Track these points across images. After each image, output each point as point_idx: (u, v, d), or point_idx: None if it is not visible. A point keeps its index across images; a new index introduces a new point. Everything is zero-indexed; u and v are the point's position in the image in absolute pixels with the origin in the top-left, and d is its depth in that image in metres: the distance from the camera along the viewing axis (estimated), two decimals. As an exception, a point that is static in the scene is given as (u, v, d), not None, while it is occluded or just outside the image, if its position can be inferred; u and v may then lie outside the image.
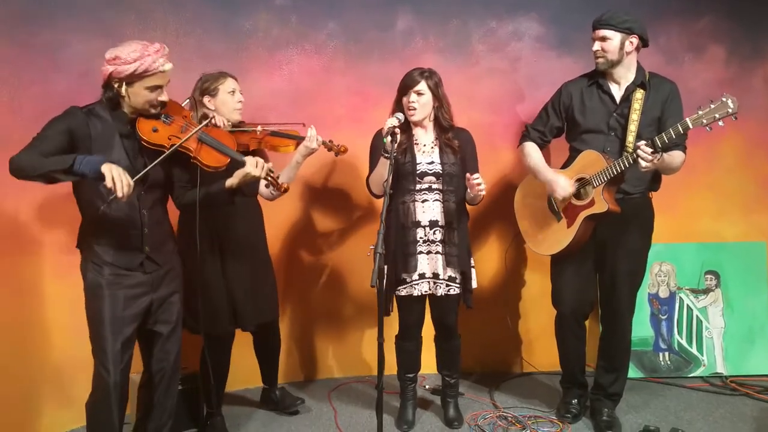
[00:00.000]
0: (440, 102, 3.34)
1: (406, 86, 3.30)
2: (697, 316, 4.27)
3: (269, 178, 2.90)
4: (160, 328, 2.83)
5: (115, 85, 2.60)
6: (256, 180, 2.87)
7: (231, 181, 2.87)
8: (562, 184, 3.35)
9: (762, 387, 4.01)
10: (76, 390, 3.30)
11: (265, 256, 3.58)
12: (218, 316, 3.35)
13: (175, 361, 2.91)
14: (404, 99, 3.31)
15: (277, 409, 3.80)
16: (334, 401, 3.95)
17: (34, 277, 3.43)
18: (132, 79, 2.58)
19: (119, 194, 2.41)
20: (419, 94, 3.28)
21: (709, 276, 4.30)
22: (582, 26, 3.63)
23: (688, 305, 4.28)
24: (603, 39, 3.27)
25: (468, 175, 3.14)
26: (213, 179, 2.96)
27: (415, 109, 3.29)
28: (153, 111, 2.69)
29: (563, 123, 3.52)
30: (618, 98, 3.36)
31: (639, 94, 3.30)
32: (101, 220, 2.64)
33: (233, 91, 3.35)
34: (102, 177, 2.42)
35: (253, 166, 2.79)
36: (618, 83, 3.37)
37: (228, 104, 3.33)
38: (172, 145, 2.69)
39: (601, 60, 3.31)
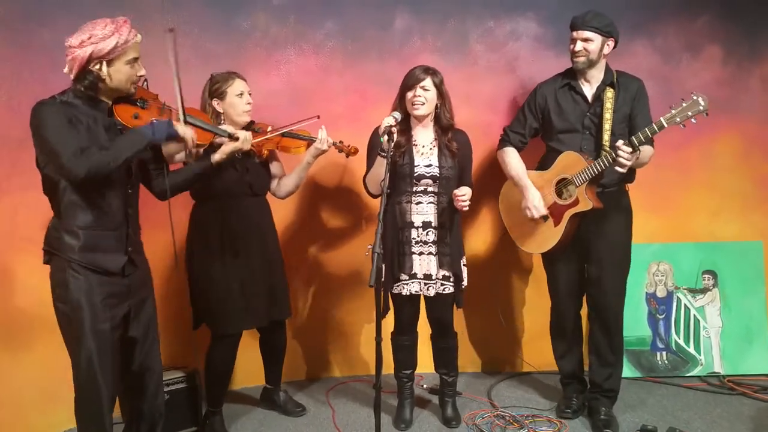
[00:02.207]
0: (443, 100, 3.35)
1: (411, 82, 3.29)
2: (694, 315, 4.28)
3: (253, 147, 3.11)
4: (136, 333, 2.71)
5: (95, 68, 2.47)
6: (242, 152, 3.02)
7: (218, 157, 2.90)
8: (535, 206, 3.45)
9: (759, 386, 4.01)
10: (65, 392, 3.29)
11: (277, 255, 3.59)
12: (233, 315, 3.35)
13: (155, 361, 2.84)
14: (409, 94, 3.29)
15: (278, 412, 3.81)
16: (332, 400, 3.96)
17: (26, 276, 3.42)
18: (113, 54, 2.47)
19: (191, 148, 2.66)
20: (425, 89, 3.27)
21: (706, 275, 4.30)
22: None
23: (685, 305, 4.29)
24: (586, 40, 3.36)
25: (455, 192, 3.24)
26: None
27: (422, 103, 3.28)
28: (133, 90, 2.61)
29: (540, 123, 3.60)
30: (590, 98, 3.46)
31: (609, 93, 3.40)
32: (85, 221, 2.52)
33: (241, 93, 3.33)
34: (178, 137, 2.61)
35: (242, 140, 2.95)
36: (589, 83, 3.47)
37: (236, 107, 3.31)
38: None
39: (582, 59, 3.39)
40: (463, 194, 3.24)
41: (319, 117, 3.39)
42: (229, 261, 3.35)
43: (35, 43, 3.39)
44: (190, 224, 3.43)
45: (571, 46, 3.40)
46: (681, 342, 4.26)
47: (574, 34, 3.38)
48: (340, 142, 3.43)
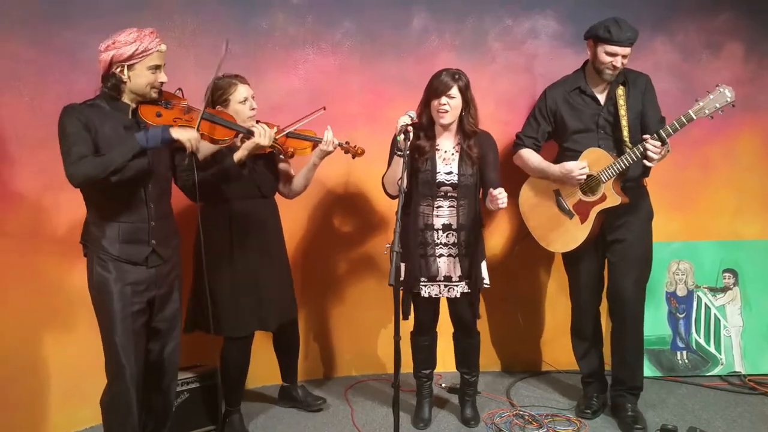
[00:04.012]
0: (468, 105, 3.31)
1: (438, 89, 3.24)
2: (715, 314, 4.25)
3: (275, 145, 3.09)
4: (159, 325, 2.86)
5: (117, 71, 2.64)
6: (263, 150, 3.02)
7: (240, 154, 2.99)
8: (575, 168, 3.38)
9: (781, 386, 3.98)
10: (89, 390, 3.32)
11: (284, 256, 3.61)
12: (245, 317, 3.36)
13: (174, 356, 2.94)
14: (435, 102, 3.26)
15: (299, 407, 3.83)
16: (350, 399, 3.97)
17: (48, 274, 3.46)
18: (133, 59, 2.62)
19: (191, 149, 2.66)
20: (451, 97, 3.24)
21: (727, 274, 4.27)
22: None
23: (706, 304, 4.26)
24: (625, 56, 3.33)
25: (491, 191, 3.07)
26: (215, 159, 3.03)
27: (447, 111, 3.25)
28: (154, 94, 2.72)
29: (553, 127, 3.59)
30: (602, 98, 3.46)
31: (621, 91, 3.40)
32: (109, 213, 2.69)
33: (245, 99, 3.28)
34: (173, 141, 2.62)
35: (261, 135, 2.98)
36: (600, 85, 3.47)
37: (240, 114, 3.25)
38: (180, 126, 2.73)
39: (617, 72, 3.37)
40: (501, 194, 3.04)
41: (325, 108, 3.37)
42: (238, 263, 3.36)
43: (57, 45, 3.42)
44: (200, 222, 3.42)
45: (609, 60, 3.32)
46: (701, 341, 4.23)
47: (618, 49, 3.30)
48: (347, 143, 3.41)
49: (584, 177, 3.38)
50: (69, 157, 2.58)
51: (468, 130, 3.33)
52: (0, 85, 3.39)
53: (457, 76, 3.26)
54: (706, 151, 4.24)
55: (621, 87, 3.41)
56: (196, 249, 3.40)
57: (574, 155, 3.45)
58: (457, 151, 3.38)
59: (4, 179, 3.37)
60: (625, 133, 3.35)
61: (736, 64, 4.26)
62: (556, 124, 3.58)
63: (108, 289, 2.69)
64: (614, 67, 3.34)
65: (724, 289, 4.27)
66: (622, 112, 3.37)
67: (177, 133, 2.63)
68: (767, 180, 4.33)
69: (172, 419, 3.05)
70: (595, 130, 3.46)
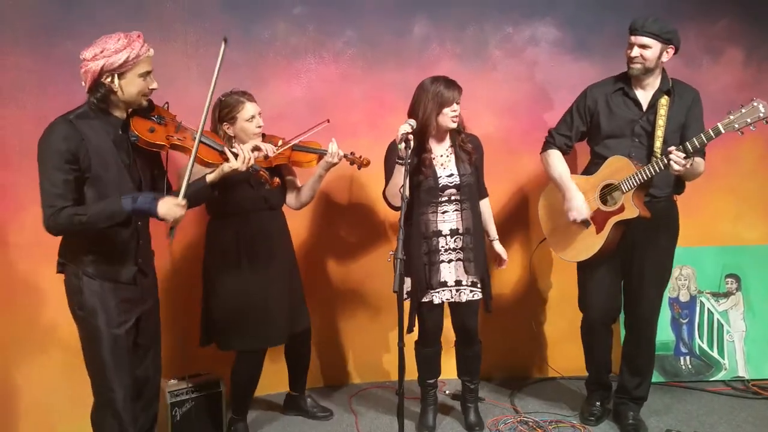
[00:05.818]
0: None
1: (451, 98, 3.27)
2: (718, 319, 4.24)
3: (255, 172, 2.93)
4: (143, 340, 2.79)
5: (107, 81, 2.51)
6: (239, 174, 2.83)
7: (212, 177, 2.83)
8: (578, 207, 3.36)
9: (785, 391, 3.97)
10: (91, 397, 3.33)
11: (294, 267, 3.61)
12: (257, 331, 3.36)
13: (158, 368, 2.91)
14: (447, 110, 3.28)
15: (304, 417, 3.83)
16: (354, 407, 3.97)
17: (50, 285, 3.44)
18: (125, 68, 2.50)
19: (171, 223, 2.60)
20: (458, 102, 3.30)
21: (729, 279, 4.27)
22: (598, 29, 3.62)
23: (708, 309, 4.25)
24: (643, 46, 3.21)
25: (501, 260, 3.53)
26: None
27: (458, 116, 3.32)
28: (144, 102, 2.63)
29: (588, 127, 3.48)
30: (644, 105, 3.33)
31: (664, 101, 3.28)
32: (98, 235, 2.58)
33: (252, 118, 3.30)
34: (154, 216, 2.55)
35: (240, 160, 2.80)
36: (644, 90, 3.34)
37: (247, 131, 3.30)
38: (171, 144, 2.68)
39: (638, 66, 3.24)
40: (502, 257, 3.53)
41: (329, 121, 3.39)
42: (249, 277, 3.36)
43: (60, 56, 3.44)
44: (206, 240, 3.45)
45: (628, 51, 3.24)
46: (705, 346, 4.23)
47: (632, 39, 3.22)
48: (351, 153, 3.43)
49: (575, 219, 3.37)
50: (47, 203, 2.48)
51: (460, 129, 3.39)
52: (3, 96, 3.43)
53: (456, 82, 3.32)
54: (708, 156, 4.20)
55: (665, 96, 3.28)
56: (204, 263, 3.42)
57: (602, 162, 3.36)
58: (451, 153, 3.41)
59: (7, 189, 3.38)
60: (658, 144, 3.24)
61: (736, 69, 4.27)
62: (591, 124, 3.45)
63: (95, 310, 2.60)
64: (631, 59, 3.23)
65: (727, 294, 4.27)
66: (660, 122, 3.25)
67: (165, 213, 2.54)
68: (769, 185, 4.34)
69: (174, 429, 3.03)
70: (629, 136, 3.33)
